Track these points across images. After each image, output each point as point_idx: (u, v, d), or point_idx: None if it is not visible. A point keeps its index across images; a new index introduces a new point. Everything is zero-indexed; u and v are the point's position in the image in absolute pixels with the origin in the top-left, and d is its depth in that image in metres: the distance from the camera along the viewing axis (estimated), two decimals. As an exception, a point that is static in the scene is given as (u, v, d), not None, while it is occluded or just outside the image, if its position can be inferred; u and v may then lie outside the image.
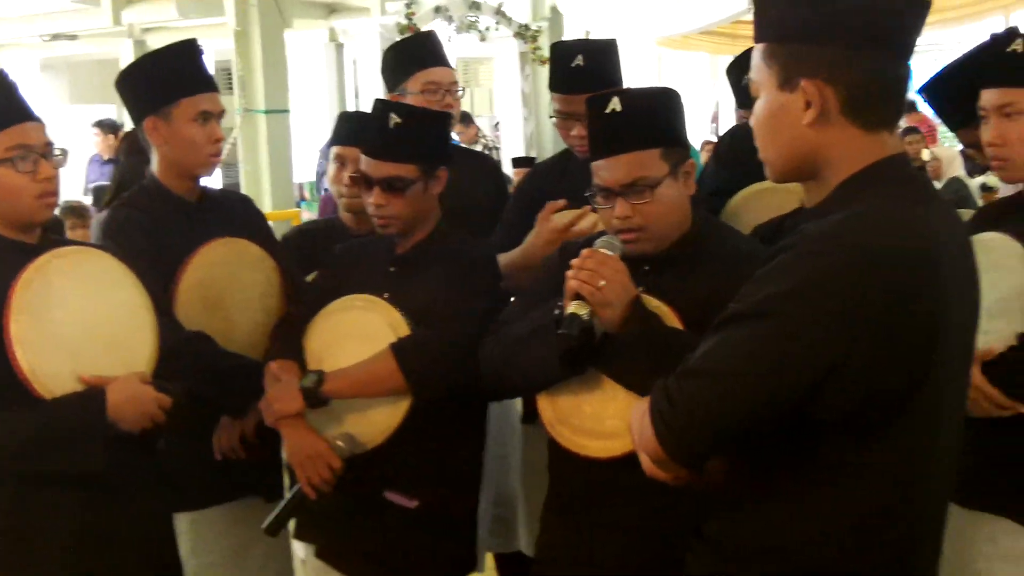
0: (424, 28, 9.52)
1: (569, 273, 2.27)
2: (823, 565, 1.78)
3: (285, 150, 10.37)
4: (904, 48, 1.76)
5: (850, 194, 1.74)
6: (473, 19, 10.79)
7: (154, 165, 3.08)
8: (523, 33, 11.50)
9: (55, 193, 2.56)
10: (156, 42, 13.34)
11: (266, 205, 10.07)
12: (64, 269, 2.54)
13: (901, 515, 1.78)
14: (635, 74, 11.65)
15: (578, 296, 2.23)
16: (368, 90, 11.43)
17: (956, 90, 2.96)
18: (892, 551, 1.78)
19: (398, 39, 4.87)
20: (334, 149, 3.56)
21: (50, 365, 2.46)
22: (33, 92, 16.72)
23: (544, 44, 11.34)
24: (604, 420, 2.38)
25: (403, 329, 2.77)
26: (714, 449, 1.82)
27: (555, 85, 3.34)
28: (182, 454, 3.01)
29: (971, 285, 1.84)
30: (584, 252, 2.29)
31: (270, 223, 3.75)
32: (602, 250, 2.30)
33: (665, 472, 2.02)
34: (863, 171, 1.75)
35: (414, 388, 2.73)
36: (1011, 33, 2.59)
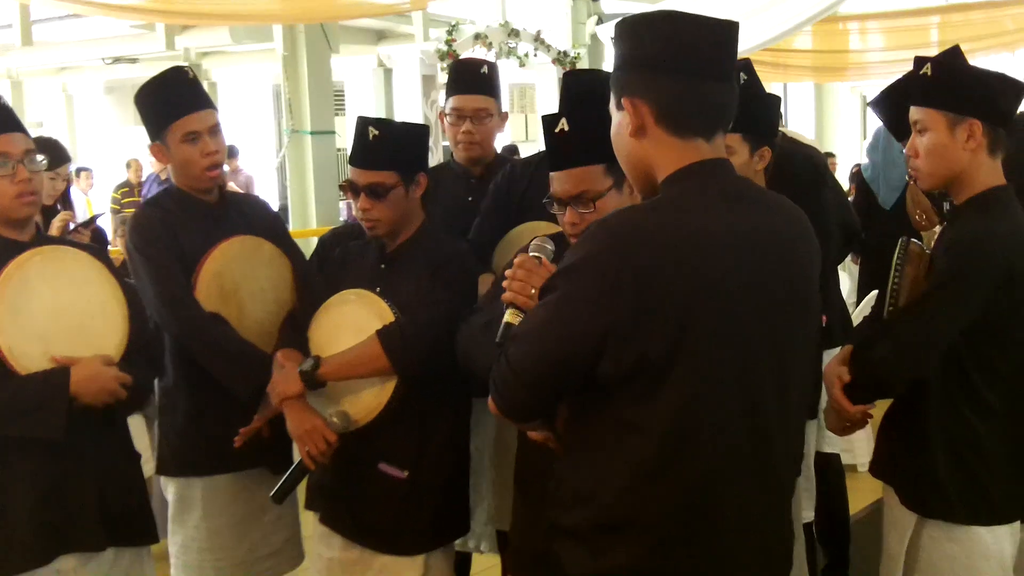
0: (464, 55, 9.81)
1: (503, 283, 2.43)
2: (612, 512, 2.01)
3: (330, 169, 10.74)
4: (708, 70, 2.00)
5: (660, 191, 2.03)
6: (512, 46, 11.06)
7: (172, 175, 3.46)
8: (562, 60, 11.66)
9: (34, 193, 2.89)
10: (211, 66, 13.82)
11: (312, 221, 10.46)
12: (43, 265, 2.91)
13: (667, 469, 1.97)
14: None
15: (513, 304, 2.39)
16: (409, 112, 11.76)
17: (895, 107, 3.35)
18: (663, 503, 1.98)
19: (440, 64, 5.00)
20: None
21: (25, 347, 2.83)
22: (98, 113, 17.30)
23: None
24: None
25: (390, 318, 3.10)
26: (533, 405, 2.13)
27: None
28: (195, 426, 3.40)
29: (773, 277, 2.02)
30: (516, 260, 2.47)
31: (315, 239, 4.07)
32: (533, 255, 2.49)
33: (533, 433, 2.34)
34: (675, 172, 2.02)
35: (397, 367, 3.06)
36: (921, 60, 2.87)
